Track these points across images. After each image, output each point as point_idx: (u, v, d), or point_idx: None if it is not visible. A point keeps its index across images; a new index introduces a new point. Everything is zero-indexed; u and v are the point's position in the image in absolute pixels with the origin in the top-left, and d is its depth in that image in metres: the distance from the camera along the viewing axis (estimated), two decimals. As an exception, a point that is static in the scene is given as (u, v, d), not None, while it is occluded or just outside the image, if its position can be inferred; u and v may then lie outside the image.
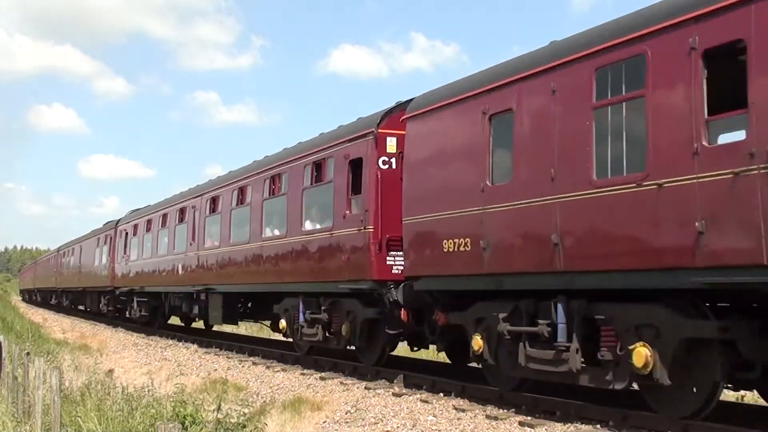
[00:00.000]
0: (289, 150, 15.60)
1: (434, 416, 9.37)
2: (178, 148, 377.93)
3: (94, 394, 10.49)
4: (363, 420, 9.75)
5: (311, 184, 13.91)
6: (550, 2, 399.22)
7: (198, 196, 20.51)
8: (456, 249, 9.92)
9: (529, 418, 8.80)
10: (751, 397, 11.95)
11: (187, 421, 8.18)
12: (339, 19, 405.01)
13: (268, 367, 14.79)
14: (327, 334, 13.48)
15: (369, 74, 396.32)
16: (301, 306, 14.08)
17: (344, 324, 12.76)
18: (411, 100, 11.80)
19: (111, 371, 16.26)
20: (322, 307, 13.46)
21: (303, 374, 13.52)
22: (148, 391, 11.00)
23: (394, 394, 10.87)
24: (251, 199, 16.67)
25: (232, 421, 8.88)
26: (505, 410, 9.30)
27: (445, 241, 10.12)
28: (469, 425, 8.78)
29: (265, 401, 11.88)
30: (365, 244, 11.86)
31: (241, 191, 17.32)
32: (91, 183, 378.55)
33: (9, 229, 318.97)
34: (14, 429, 8.59)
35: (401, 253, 11.38)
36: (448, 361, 13.54)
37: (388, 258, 11.69)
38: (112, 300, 29.92)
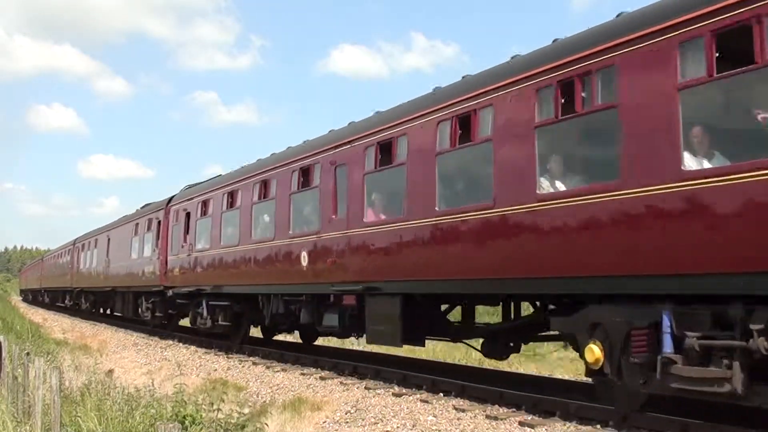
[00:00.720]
0: (613, 25, 8.42)
1: (434, 416, 9.37)
2: (178, 148, 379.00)
3: (94, 394, 10.47)
4: (363, 420, 9.75)
5: (709, 75, 6.99)
6: (550, 2, 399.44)
7: (343, 145, 12.89)
8: None
9: (529, 418, 8.81)
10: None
11: (187, 421, 8.18)
12: (338, 19, 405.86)
13: (268, 367, 14.78)
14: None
15: (369, 74, 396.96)
16: (666, 321, 7.35)
17: None
18: None
19: (111, 371, 16.24)
20: (754, 326, 6.64)
21: (303, 374, 13.51)
22: (148, 391, 11.00)
23: (394, 394, 10.87)
24: (494, 131, 9.45)
25: (232, 421, 8.89)
26: (505, 410, 9.31)
27: None
28: (469, 425, 8.78)
29: (265, 401, 11.88)
30: None
31: (463, 123, 10.08)
32: (91, 183, 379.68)
33: (9, 229, 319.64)
34: (14, 429, 8.57)
35: None
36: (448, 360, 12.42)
37: None
38: (160, 303, 22.85)
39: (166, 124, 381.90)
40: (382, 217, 11.89)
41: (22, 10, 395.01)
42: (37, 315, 42.21)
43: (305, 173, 14.04)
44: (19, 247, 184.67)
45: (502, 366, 15.17)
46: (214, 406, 9.25)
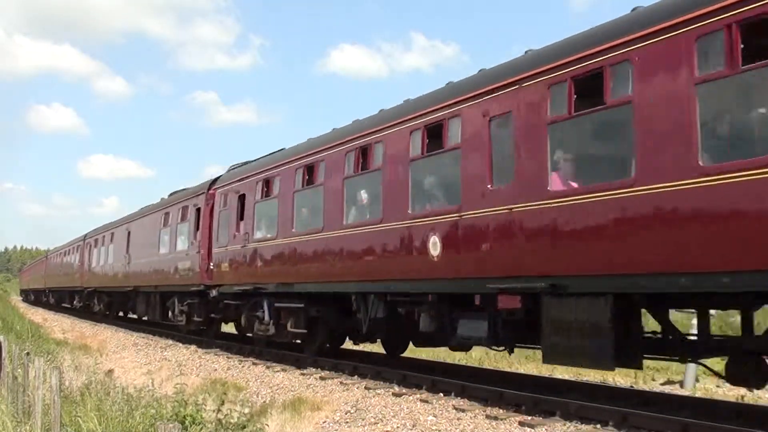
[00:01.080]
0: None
1: (434, 416, 9.36)
2: (178, 148, 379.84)
3: (94, 394, 10.48)
4: (363, 420, 9.74)
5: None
6: (550, 2, 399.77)
7: (505, 87, 9.53)
8: None
9: (529, 418, 8.81)
10: (751, 397, 11.97)
11: (187, 421, 8.19)
12: (338, 19, 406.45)
13: (268, 367, 14.78)
14: None
15: (369, 74, 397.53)
16: None
17: None
18: None
19: (111, 371, 16.25)
20: None
21: (303, 374, 13.50)
22: (148, 391, 11.00)
23: (394, 394, 10.86)
24: None
25: (232, 421, 8.89)
26: (505, 410, 9.31)
27: None
28: (469, 425, 8.78)
29: (265, 401, 11.88)
30: None
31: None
32: (91, 183, 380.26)
33: (9, 229, 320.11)
34: (14, 429, 8.58)
35: None
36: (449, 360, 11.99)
37: None
38: (199, 306, 19.14)
39: (166, 124, 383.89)
40: (575, 185, 8.60)
41: (22, 10, 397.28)
42: (37, 315, 42.21)
43: (433, 133, 10.78)
44: (19, 247, 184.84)
45: (502, 366, 15.19)
46: (214, 406, 9.26)
